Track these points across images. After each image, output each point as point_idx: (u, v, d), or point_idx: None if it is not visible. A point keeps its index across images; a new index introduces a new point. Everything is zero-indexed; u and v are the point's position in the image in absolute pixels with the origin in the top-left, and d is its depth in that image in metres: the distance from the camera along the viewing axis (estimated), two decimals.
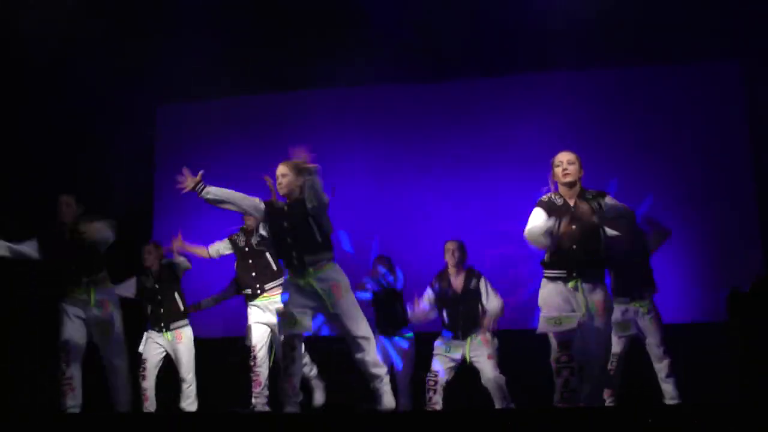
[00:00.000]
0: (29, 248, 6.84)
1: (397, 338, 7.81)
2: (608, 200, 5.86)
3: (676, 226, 7.73)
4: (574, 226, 5.72)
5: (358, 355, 6.03)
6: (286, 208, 6.10)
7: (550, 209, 5.80)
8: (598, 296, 5.76)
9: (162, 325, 7.82)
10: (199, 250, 7.87)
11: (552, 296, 5.78)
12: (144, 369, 7.79)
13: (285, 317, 6.01)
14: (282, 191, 6.09)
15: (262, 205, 6.14)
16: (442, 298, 7.39)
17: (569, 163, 5.84)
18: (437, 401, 7.25)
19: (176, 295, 7.88)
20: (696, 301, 8.60)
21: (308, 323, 6.02)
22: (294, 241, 6.00)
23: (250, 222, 7.69)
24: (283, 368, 6.03)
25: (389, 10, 8.45)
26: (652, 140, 8.90)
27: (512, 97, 9.22)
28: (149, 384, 7.78)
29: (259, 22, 8.61)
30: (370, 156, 9.38)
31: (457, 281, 7.38)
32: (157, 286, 7.83)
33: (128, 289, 7.84)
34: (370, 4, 8.36)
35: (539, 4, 8.28)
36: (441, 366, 7.33)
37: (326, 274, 6.00)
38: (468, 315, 7.28)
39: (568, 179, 5.84)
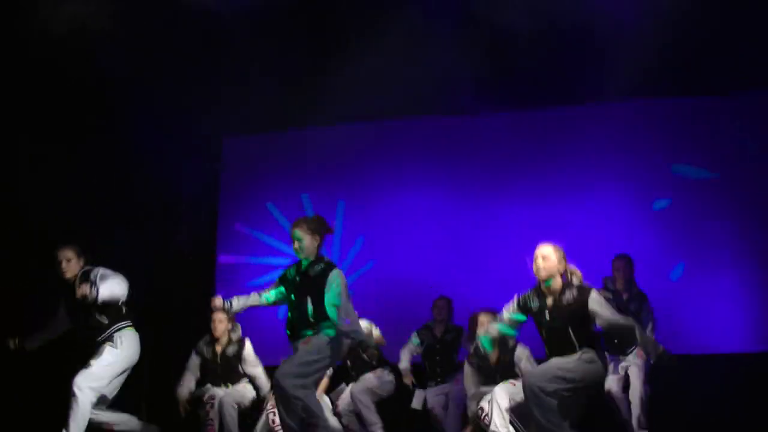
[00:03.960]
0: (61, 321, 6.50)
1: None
2: (593, 299, 5.60)
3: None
4: (544, 332, 5.66)
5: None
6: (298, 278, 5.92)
7: (523, 308, 5.77)
8: None
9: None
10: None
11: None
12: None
13: None
14: (297, 255, 5.92)
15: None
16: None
17: (543, 258, 5.67)
18: None
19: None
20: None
21: None
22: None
23: None
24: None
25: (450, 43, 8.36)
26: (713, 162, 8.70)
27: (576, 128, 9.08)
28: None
29: (322, 53, 8.56)
30: (434, 185, 9.27)
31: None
32: (219, 362, 7.55)
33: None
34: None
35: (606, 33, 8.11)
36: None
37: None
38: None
39: (542, 275, 5.67)
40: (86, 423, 6.07)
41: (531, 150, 9.07)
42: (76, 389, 6.03)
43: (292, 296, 5.85)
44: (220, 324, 7.45)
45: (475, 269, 8.88)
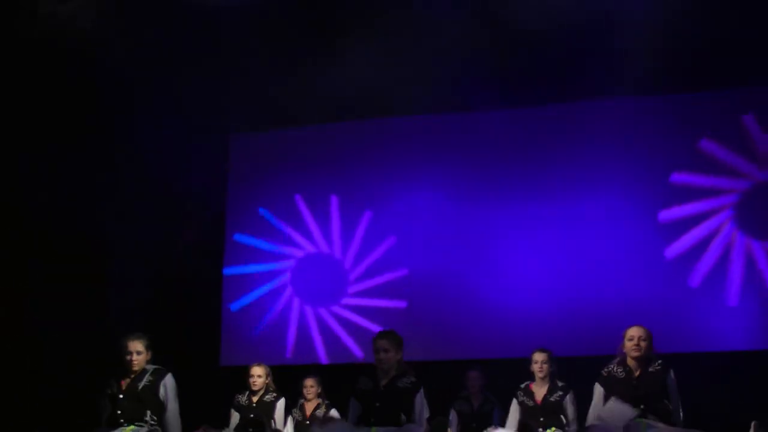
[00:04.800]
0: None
1: None
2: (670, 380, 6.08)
3: None
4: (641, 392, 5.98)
5: None
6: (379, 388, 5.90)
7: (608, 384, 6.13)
8: None
9: None
10: None
11: None
12: None
13: None
14: (382, 366, 5.88)
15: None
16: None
17: (641, 339, 6.09)
18: None
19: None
20: None
21: None
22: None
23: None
24: None
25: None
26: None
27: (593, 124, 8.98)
28: None
29: (329, 49, 8.50)
30: (444, 183, 9.17)
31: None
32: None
33: None
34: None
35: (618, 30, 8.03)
36: None
37: None
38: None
39: (636, 354, 6.08)
40: None
41: (533, 147, 8.97)
42: None
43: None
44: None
45: (475, 265, 8.85)
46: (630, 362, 6.10)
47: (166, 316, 8.80)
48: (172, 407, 6.26)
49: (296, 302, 9.31)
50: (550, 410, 6.90)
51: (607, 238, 8.52)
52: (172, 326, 8.61)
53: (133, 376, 6.25)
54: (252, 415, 7.39)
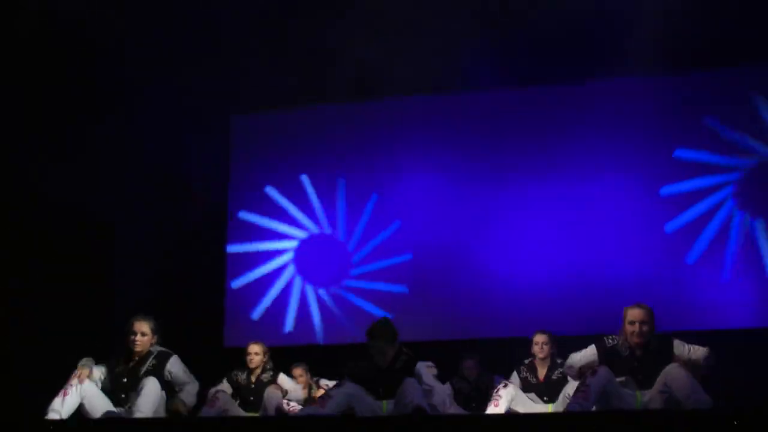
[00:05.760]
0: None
1: None
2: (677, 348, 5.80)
3: None
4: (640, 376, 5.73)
5: None
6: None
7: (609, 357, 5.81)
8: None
9: None
10: None
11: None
12: None
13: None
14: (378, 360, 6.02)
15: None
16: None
17: (642, 324, 5.77)
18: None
19: None
20: None
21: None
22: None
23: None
24: None
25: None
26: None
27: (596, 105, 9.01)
28: None
29: (330, 30, 8.49)
30: (450, 165, 9.21)
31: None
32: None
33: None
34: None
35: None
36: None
37: None
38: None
39: (637, 341, 5.79)
40: None
41: (537, 127, 9.03)
42: None
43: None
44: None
45: (483, 244, 8.92)
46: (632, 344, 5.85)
47: (171, 296, 8.86)
48: (189, 389, 6.22)
49: (298, 282, 9.38)
50: (553, 388, 6.96)
51: (610, 216, 8.57)
52: (176, 307, 8.67)
53: (137, 358, 6.23)
54: (252, 398, 7.37)
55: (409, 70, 8.62)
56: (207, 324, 9.22)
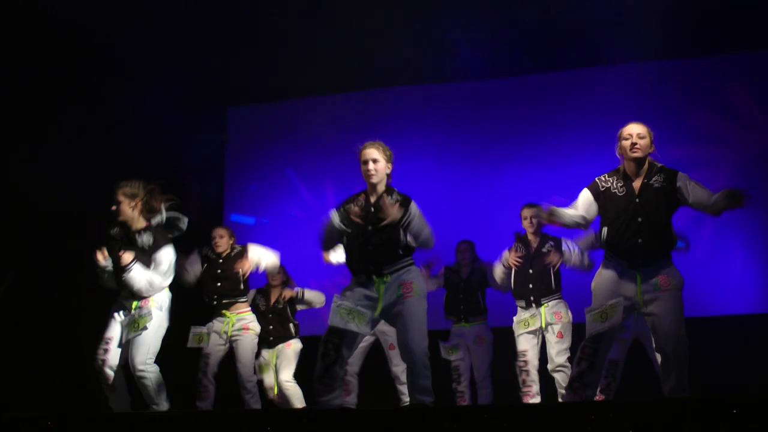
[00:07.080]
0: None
1: (476, 326, 7.84)
2: (685, 182, 5.34)
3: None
4: (640, 219, 5.27)
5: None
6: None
7: (599, 196, 5.41)
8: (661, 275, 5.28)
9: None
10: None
11: (602, 284, 5.42)
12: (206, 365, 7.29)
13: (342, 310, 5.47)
14: (373, 180, 5.66)
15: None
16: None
17: (639, 137, 5.33)
18: (532, 382, 7.13)
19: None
20: None
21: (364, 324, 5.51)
22: (374, 249, 5.54)
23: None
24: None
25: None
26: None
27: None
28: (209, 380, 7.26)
29: (328, 21, 8.49)
30: (445, 154, 9.29)
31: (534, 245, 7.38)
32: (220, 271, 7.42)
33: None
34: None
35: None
36: (527, 345, 7.18)
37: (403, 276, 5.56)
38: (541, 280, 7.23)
39: (636, 155, 5.32)
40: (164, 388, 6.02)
41: (533, 115, 9.12)
42: (140, 373, 5.89)
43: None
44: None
45: (475, 233, 8.76)
46: (629, 168, 5.35)
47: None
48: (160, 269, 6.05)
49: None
50: (541, 259, 7.23)
51: None
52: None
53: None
54: (219, 271, 7.36)
55: (399, 61, 8.68)
56: None
